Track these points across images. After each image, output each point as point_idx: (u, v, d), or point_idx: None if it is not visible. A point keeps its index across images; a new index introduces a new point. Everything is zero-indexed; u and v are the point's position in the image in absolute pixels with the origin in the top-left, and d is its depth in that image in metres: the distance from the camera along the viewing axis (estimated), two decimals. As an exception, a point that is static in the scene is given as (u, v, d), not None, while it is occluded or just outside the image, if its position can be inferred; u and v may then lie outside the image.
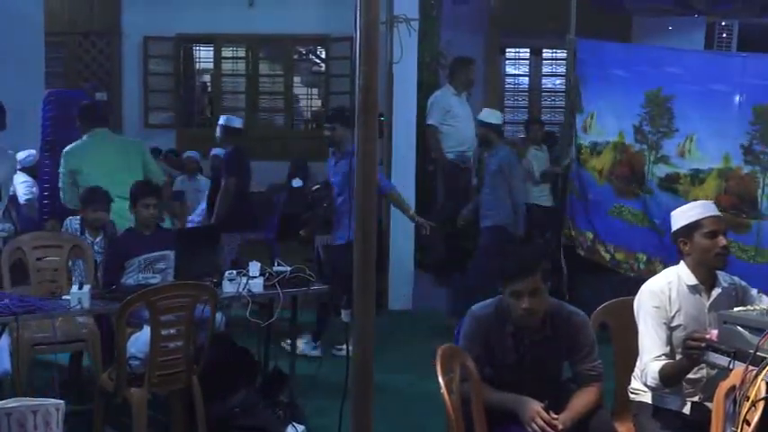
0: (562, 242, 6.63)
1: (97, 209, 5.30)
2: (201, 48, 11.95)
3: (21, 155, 8.39)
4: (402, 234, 7.37)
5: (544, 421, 2.96)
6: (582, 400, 3.10)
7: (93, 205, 5.30)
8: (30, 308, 4.01)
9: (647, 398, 3.25)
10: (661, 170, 5.99)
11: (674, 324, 3.18)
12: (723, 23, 10.16)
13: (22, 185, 8.06)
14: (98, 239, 5.33)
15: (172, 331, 4.03)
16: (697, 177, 5.79)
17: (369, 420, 2.32)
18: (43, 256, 5.11)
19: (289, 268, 4.72)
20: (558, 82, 10.92)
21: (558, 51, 10.44)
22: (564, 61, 9.05)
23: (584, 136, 6.52)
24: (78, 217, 5.40)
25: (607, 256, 6.31)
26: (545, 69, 11.17)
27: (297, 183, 9.86)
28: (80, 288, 4.16)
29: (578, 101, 6.58)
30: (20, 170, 8.27)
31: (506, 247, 4.30)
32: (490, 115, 6.55)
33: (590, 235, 6.46)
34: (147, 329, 4.08)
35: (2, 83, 8.17)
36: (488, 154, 6.65)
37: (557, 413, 3.02)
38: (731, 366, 2.70)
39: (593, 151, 6.43)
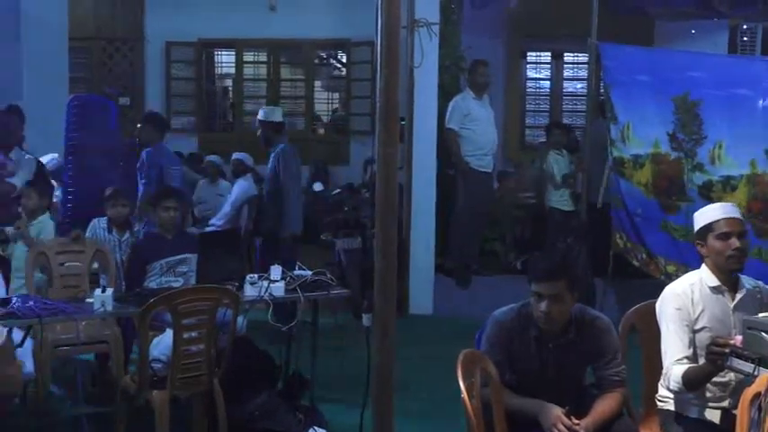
0: (612, 252, 6.60)
1: (117, 204, 5.39)
2: (223, 52, 12.03)
3: (44, 159, 8.48)
4: (423, 238, 7.36)
5: (566, 426, 2.94)
6: (605, 405, 3.07)
7: (114, 201, 5.37)
8: (54, 310, 4.06)
9: (671, 405, 3.21)
10: (699, 178, 5.97)
11: (698, 326, 3.14)
12: (746, 27, 10.06)
13: (48, 190, 8.14)
14: (124, 238, 5.38)
15: (194, 334, 4.05)
16: (729, 184, 5.75)
17: (390, 424, 2.32)
18: (66, 261, 5.17)
19: (310, 272, 4.73)
20: (579, 86, 10.85)
21: (580, 55, 10.38)
22: (585, 65, 8.99)
23: (624, 148, 6.45)
24: (105, 218, 5.46)
25: (660, 270, 6.30)
26: (566, 73, 11.11)
27: (318, 187, 9.89)
28: (103, 291, 4.20)
29: (612, 110, 6.53)
30: (44, 174, 8.35)
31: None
32: (270, 113, 6.49)
33: (642, 249, 6.43)
34: (169, 332, 4.10)
35: (27, 87, 8.27)
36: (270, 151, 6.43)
37: (578, 419, 2.99)
38: (756, 373, 2.68)
39: (636, 164, 6.38)
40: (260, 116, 6.43)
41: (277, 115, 6.46)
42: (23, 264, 5.10)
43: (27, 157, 6.16)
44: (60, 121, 7.73)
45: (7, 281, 4.69)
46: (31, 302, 4.04)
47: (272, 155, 6.25)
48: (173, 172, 6.37)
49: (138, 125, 6.38)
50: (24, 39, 8.70)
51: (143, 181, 6.41)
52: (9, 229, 5.35)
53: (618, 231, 6.59)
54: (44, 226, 5.49)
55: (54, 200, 7.88)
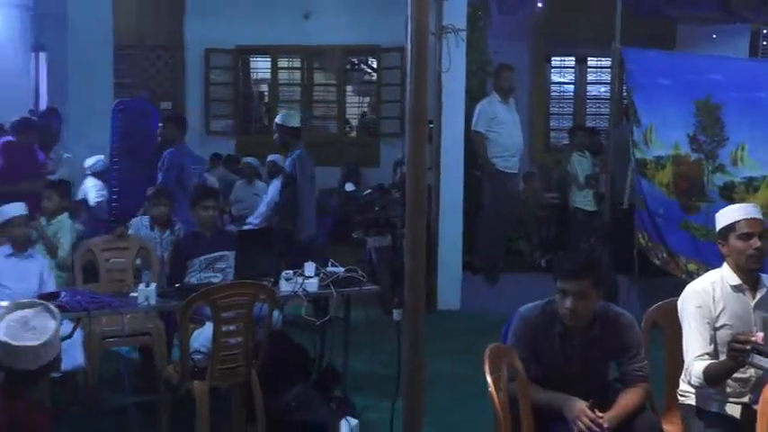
0: (636, 249, 6.53)
1: (159, 204, 5.46)
2: (259, 59, 12.10)
3: (90, 160, 8.60)
4: (451, 237, 7.35)
5: (590, 419, 2.92)
6: (628, 399, 3.05)
7: (156, 200, 5.44)
8: (100, 304, 4.13)
9: (692, 400, 3.18)
10: (719, 179, 5.89)
11: (719, 324, 3.11)
12: (766, 31, 9.91)
13: (93, 189, 8.25)
14: (165, 235, 5.45)
15: (232, 327, 4.08)
16: (751, 185, 5.68)
17: (419, 416, 2.32)
18: (112, 257, 5.24)
19: (342, 269, 4.75)
20: (602, 89, 10.77)
21: (603, 59, 10.30)
22: (608, 69, 8.92)
23: (646, 150, 6.40)
24: (147, 216, 5.53)
25: (681, 268, 6.25)
26: (590, 77, 11.03)
27: (349, 187, 9.93)
28: (147, 286, 4.26)
29: (635, 113, 6.47)
30: (90, 175, 8.48)
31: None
32: (287, 118, 6.30)
33: (663, 248, 6.38)
34: (209, 325, 4.14)
35: (75, 92, 8.39)
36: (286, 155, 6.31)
37: (602, 412, 2.97)
38: (777, 369, 2.66)
39: (658, 165, 6.31)
40: (278, 120, 6.25)
41: (295, 120, 6.27)
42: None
43: (66, 156, 6.24)
44: (104, 125, 7.83)
45: None
46: (79, 296, 4.11)
47: (289, 159, 6.12)
48: (193, 171, 6.34)
49: (160, 125, 6.35)
50: (71, 46, 8.83)
51: (162, 180, 6.32)
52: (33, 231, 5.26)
53: (640, 231, 6.53)
54: (62, 225, 5.48)
55: (100, 199, 8.00)
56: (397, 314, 3.45)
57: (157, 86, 11.68)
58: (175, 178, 6.23)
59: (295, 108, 11.78)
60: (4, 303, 3.91)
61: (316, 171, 6.43)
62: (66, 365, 4.08)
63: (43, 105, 8.88)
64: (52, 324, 2.70)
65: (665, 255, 6.40)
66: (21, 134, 5.83)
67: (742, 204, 3.43)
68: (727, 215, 3.20)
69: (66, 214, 5.62)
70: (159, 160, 6.51)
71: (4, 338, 2.59)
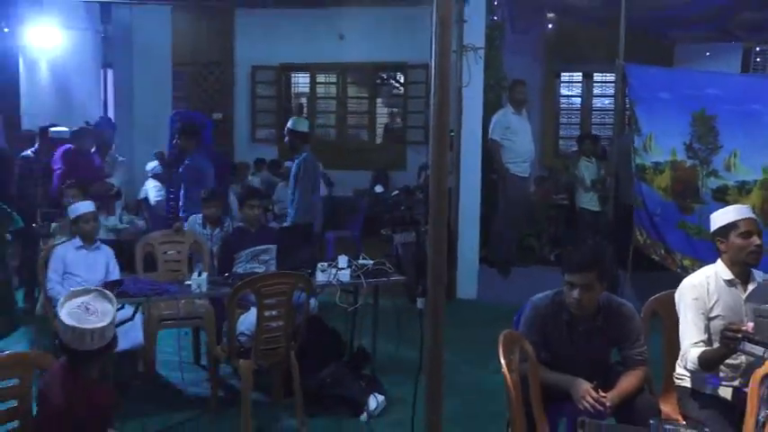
0: (632, 246, 6.44)
1: (211, 206, 5.49)
2: (299, 75, 12.15)
3: (151, 164, 8.70)
4: (469, 234, 7.32)
5: (593, 399, 2.88)
6: (629, 381, 3.00)
7: (208, 202, 5.48)
8: (159, 290, 4.17)
9: (687, 382, 3.13)
10: (713, 183, 5.85)
11: (713, 314, 3.05)
12: (759, 49, 9.72)
13: (153, 189, 8.36)
14: (216, 232, 5.48)
15: (274, 313, 4.09)
16: (743, 188, 5.61)
17: (440, 393, 2.30)
18: (169, 249, 5.29)
19: (371, 261, 4.75)
20: (607, 102, 10.65)
21: (608, 75, 10.17)
22: (613, 83, 8.81)
23: (646, 156, 6.32)
24: (200, 215, 5.57)
25: (677, 263, 6.17)
26: (596, 91, 10.92)
27: (379, 189, 9.93)
28: (199, 275, 4.28)
29: (636, 123, 6.39)
30: (151, 177, 8.58)
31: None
32: (297, 123, 6.16)
33: (661, 245, 6.30)
34: (253, 310, 4.16)
35: (140, 104, 8.51)
36: (294, 157, 6.21)
37: (605, 392, 2.93)
38: (765, 356, 2.63)
39: (656, 170, 6.25)
40: (289, 125, 6.11)
41: (303, 126, 6.15)
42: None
43: (120, 159, 6.27)
44: (164, 133, 7.92)
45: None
46: (140, 284, 4.16)
47: (297, 160, 6.05)
48: (209, 175, 6.22)
49: (176, 138, 6.19)
50: (135, 64, 8.95)
51: (184, 186, 6.22)
52: (54, 225, 5.23)
53: (639, 229, 6.44)
54: None
55: (159, 198, 8.09)
56: (420, 302, 3.42)
57: (209, 99, 11.78)
58: (195, 179, 6.10)
59: (331, 118, 11.87)
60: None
61: (350, 175, 6.41)
62: (127, 344, 4.15)
63: (111, 116, 9.00)
64: (110, 307, 2.69)
65: (662, 251, 6.31)
66: (78, 141, 5.87)
67: (738, 206, 3.36)
68: (726, 215, 3.13)
69: None
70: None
71: (71, 322, 2.58)
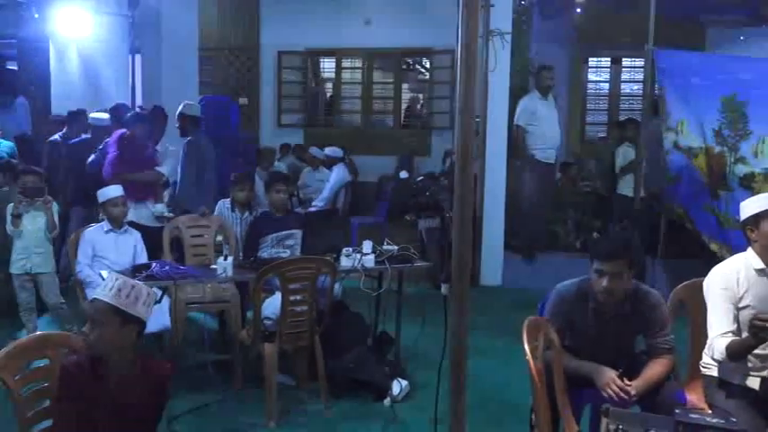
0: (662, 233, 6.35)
1: (239, 188, 5.49)
2: (325, 60, 12.13)
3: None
4: (494, 220, 7.28)
5: (618, 387, 2.86)
6: (654, 370, 2.97)
7: (236, 186, 5.48)
8: (185, 274, 4.19)
9: (714, 372, 3.08)
10: (740, 170, 5.72)
11: (742, 304, 2.99)
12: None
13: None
14: (244, 216, 5.50)
15: (298, 297, 4.11)
16: None
17: (463, 379, 2.29)
18: (196, 234, 5.32)
19: (396, 247, 4.74)
20: (635, 87, 10.48)
21: (636, 60, 10.02)
22: (641, 69, 8.66)
23: (681, 139, 6.19)
24: (229, 199, 5.58)
25: (706, 244, 6.05)
26: (624, 76, 10.76)
27: (403, 174, 9.89)
28: (225, 260, 4.31)
29: (665, 109, 6.26)
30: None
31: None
32: (188, 108, 6.08)
33: (689, 221, 6.21)
34: (278, 295, 4.18)
35: (167, 89, 8.55)
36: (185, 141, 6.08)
37: (630, 381, 2.90)
38: (795, 346, 2.55)
39: (691, 153, 6.12)
40: (180, 109, 6.06)
41: (195, 110, 6.13)
42: (30, 241, 4.92)
43: (171, 148, 6.32)
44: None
45: None
46: (167, 267, 4.18)
47: (185, 143, 5.99)
48: (209, 155, 6.12)
49: (177, 124, 6.23)
50: (163, 49, 8.99)
51: (184, 169, 6.11)
52: (22, 206, 4.93)
53: (672, 204, 6.31)
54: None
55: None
56: (444, 288, 3.41)
57: (236, 84, 11.83)
58: (197, 160, 6.03)
59: (356, 103, 11.84)
60: (105, 272, 4.01)
61: (374, 160, 6.39)
62: (154, 327, 4.20)
63: (139, 101, 9.05)
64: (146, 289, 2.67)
65: (691, 226, 6.21)
66: (133, 127, 5.90)
67: (766, 194, 3.27)
68: (756, 203, 3.05)
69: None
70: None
71: (130, 281, 2.52)
